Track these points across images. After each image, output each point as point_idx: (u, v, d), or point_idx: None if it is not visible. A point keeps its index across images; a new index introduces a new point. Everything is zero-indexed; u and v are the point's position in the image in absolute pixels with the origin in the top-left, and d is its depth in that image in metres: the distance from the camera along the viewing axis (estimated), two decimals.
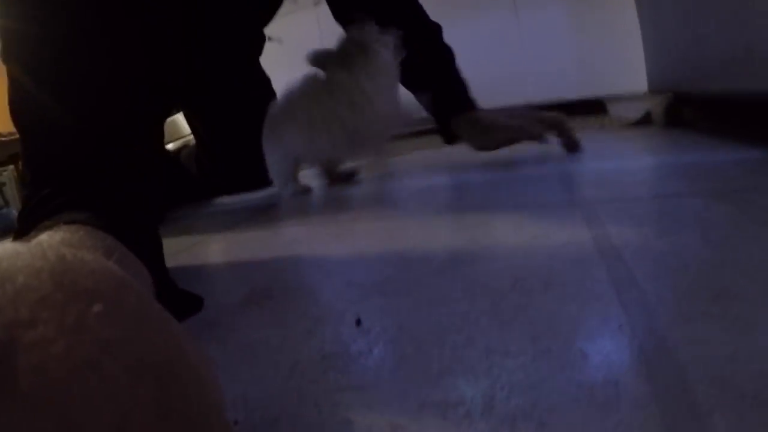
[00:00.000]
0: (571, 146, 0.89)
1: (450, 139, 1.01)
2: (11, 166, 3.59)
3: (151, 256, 0.42)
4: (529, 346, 0.30)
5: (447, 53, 1.00)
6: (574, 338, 0.30)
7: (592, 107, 1.82)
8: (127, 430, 0.13)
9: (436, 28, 1.00)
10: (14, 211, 3.29)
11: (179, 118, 2.98)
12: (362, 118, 0.90)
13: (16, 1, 0.56)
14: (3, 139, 3.27)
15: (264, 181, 1.13)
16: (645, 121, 1.33)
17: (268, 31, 1.19)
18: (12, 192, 3.64)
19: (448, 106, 0.98)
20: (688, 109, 1.21)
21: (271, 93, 1.28)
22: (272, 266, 0.56)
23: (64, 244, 0.31)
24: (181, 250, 0.78)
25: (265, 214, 0.96)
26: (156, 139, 0.72)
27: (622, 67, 1.97)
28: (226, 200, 1.23)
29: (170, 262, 0.68)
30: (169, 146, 1.59)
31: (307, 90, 0.97)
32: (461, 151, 1.02)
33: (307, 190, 1.05)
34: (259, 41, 1.20)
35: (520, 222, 0.52)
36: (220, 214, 1.13)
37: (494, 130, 0.90)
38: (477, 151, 0.96)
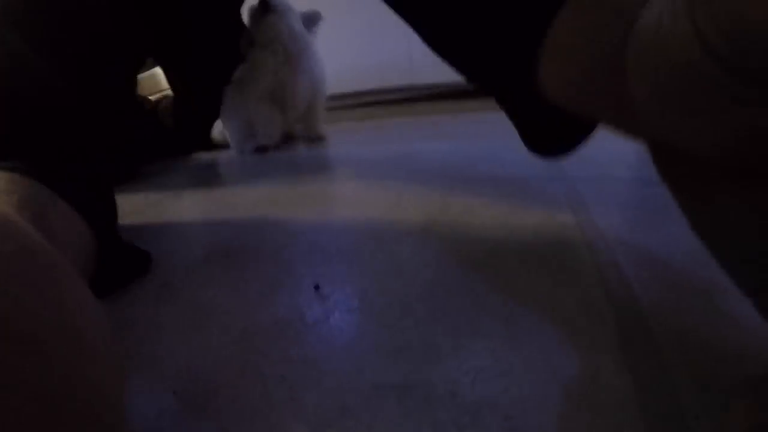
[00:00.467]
0: None
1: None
2: None
3: (94, 211, 0.39)
4: (501, 328, 0.27)
5: None
6: (550, 322, 0.27)
7: None
8: None
9: None
10: None
11: (159, 72, 2.91)
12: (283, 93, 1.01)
13: None
14: None
15: None
16: None
17: None
18: None
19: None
20: None
21: None
22: (235, 225, 0.53)
23: None
24: (148, 205, 0.74)
25: (236, 171, 0.93)
26: (118, 94, 0.67)
27: None
28: (200, 156, 1.18)
29: (135, 218, 0.64)
30: (151, 98, 1.54)
31: (245, 72, 1.07)
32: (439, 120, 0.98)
33: (264, 149, 1.07)
34: None
35: (497, 194, 0.49)
36: (193, 169, 1.09)
37: None
38: None
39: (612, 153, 0.64)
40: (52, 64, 0.51)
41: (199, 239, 0.51)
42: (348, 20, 2.09)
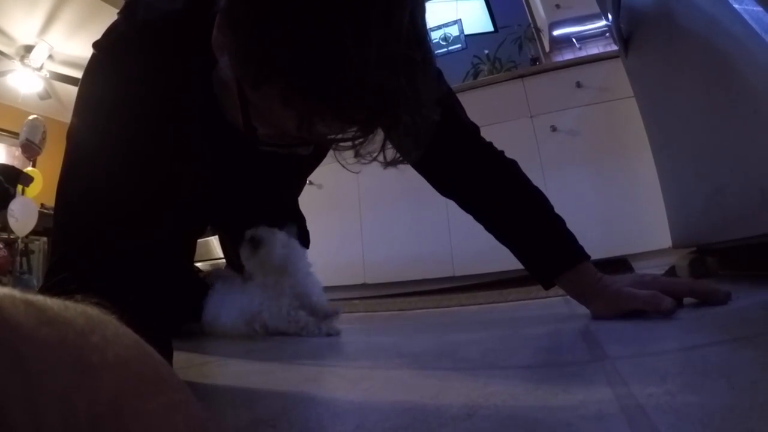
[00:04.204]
0: (718, 301, 0.75)
1: (549, 285, 0.89)
2: (44, 238, 3.78)
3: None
4: None
5: (545, 206, 0.91)
6: None
7: (617, 265, 1.86)
8: None
9: (538, 193, 0.92)
10: (35, 280, 3.36)
11: (212, 241, 3.12)
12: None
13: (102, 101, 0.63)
14: (44, 210, 3.41)
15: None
16: (670, 274, 1.35)
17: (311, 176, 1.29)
18: (38, 261, 3.78)
19: (556, 262, 0.87)
20: (711, 260, 1.22)
21: (304, 230, 1.34)
22: (281, 398, 0.54)
23: None
24: (191, 366, 0.76)
25: (281, 348, 0.95)
26: (182, 255, 0.76)
27: (645, 226, 2.04)
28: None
29: (180, 374, 0.67)
30: (201, 266, 1.65)
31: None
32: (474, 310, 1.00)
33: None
34: (300, 185, 1.29)
35: (538, 379, 0.50)
36: (234, 339, 1.12)
37: (618, 299, 0.78)
38: (594, 317, 0.83)
39: (650, 329, 0.67)
40: (132, 227, 0.60)
41: (245, 406, 0.52)
42: (393, 214, 2.25)
